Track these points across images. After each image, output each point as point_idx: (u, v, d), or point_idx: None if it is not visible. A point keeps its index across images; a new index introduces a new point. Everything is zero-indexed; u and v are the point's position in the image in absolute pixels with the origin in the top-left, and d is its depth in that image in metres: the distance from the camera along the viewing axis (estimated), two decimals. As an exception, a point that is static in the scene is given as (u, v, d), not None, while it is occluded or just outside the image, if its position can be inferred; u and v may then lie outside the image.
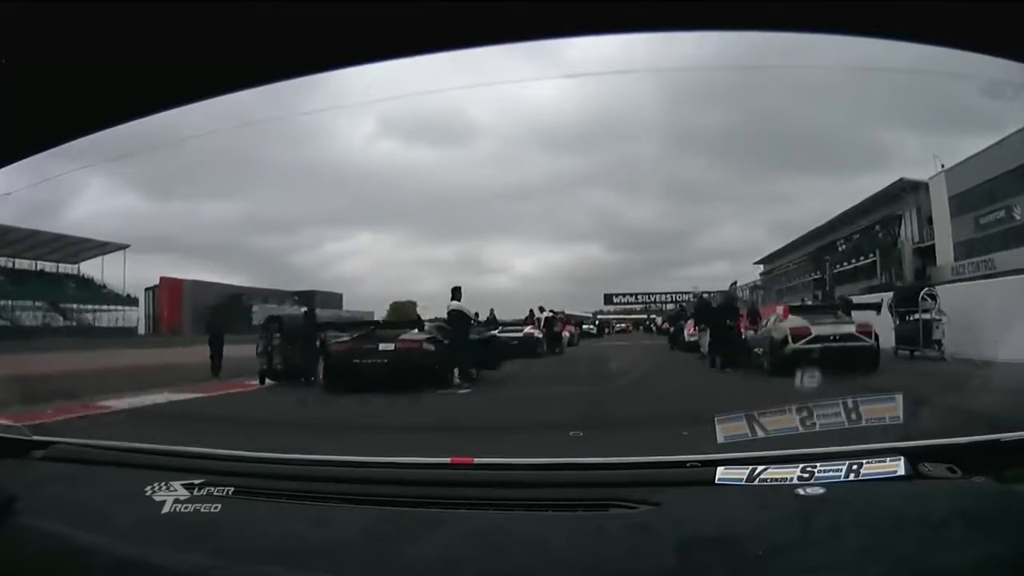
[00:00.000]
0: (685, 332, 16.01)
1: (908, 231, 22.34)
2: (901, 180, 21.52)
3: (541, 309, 17.40)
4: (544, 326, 16.75)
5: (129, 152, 1.69)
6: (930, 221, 21.52)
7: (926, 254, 21.65)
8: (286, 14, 0.84)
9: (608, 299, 29.86)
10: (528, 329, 16.29)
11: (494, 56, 1.03)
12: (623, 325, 31.79)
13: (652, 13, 0.86)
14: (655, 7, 0.85)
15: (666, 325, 26.82)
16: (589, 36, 0.90)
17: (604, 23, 0.88)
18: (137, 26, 0.86)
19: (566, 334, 17.96)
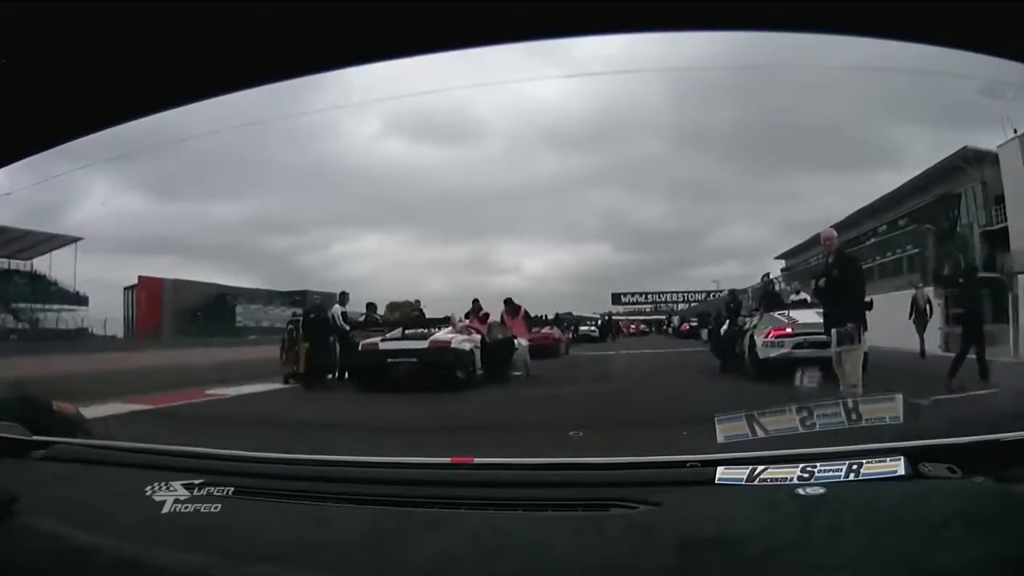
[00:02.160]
0: (759, 340, 8.41)
1: (971, 212, 17.87)
2: (964, 149, 16.94)
3: (478, 314, 11.46)
4: (489, 332, 10.60)
5: (131, 152, 1.70)
6: (1000, 200, 16.93)
7: (995, 239, 17.03)
8: (291, 13, 0.84)
9: (616, 299, 27.69)
10: (443, 335, 9.65)
11: (500, 55, 1.03)
12: (636, 326, 27.70)
13: (658, 13, 0.86)
14: (661, 7, 0.85)
15: (687, 326, 22.05)
16: (595, 36, 0.90)
17: (609, 23, 0.88)
18: (140, 26, 0.86)
19: (521, 343, 10.73)
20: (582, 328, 23.02)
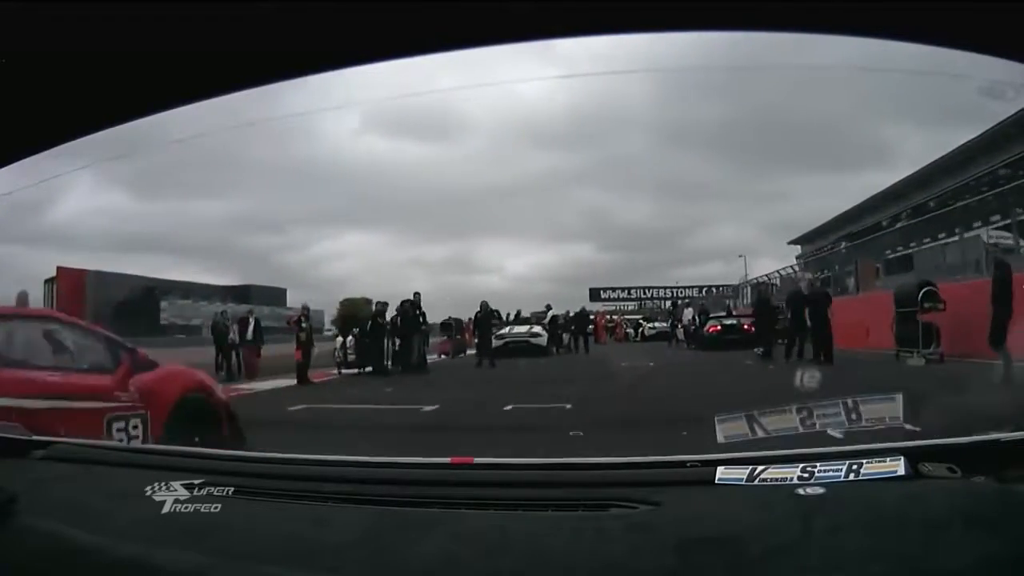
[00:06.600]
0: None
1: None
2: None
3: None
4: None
5: (121, 154, 1.69)
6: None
7: None
8: (276, 17, 0.84)
9: (594, 294, 24.53)
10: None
11: (486, 55, 1.02)
12: (654, 326, 19.18)
13: (648, 13, 0.86)
14: (651, 7, 0.85)
15: (716, 326, 13.74)
16: (583, 37, 0.89)
17: (599, 24, 0.88)
18: (140, 26, 0.86)
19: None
20: (512, 334, 11.90)
